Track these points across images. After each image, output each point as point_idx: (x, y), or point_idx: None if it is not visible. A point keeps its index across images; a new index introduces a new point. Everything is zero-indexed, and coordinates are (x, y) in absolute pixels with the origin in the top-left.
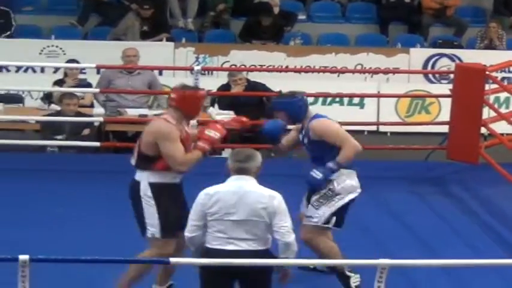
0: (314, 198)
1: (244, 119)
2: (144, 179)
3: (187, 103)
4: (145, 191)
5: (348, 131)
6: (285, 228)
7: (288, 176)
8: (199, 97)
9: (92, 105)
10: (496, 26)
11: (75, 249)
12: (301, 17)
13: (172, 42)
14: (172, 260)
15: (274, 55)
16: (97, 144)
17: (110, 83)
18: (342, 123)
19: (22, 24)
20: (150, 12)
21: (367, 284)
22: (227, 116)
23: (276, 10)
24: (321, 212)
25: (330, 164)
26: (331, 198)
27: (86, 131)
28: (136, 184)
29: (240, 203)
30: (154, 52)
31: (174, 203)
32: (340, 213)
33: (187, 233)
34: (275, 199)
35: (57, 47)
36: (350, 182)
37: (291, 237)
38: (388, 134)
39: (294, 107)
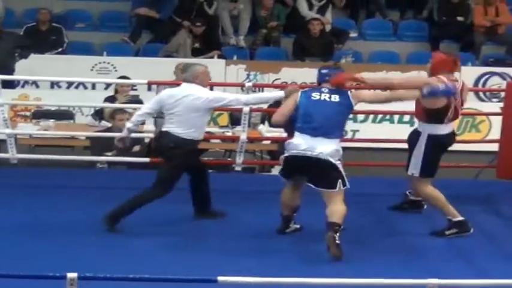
0: None
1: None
2: None
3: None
4: None
5: (398, 149)
6: None
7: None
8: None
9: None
10: None
11: (124, 266)
12: (353, 34)
13: (224, 59)
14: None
15: None
16: (146, 160)
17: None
18: (392, 141)
19: (74, 41)
20: (202, 30)
21: None
22: (278, 133)
23: (328, 28)
24: None
25: None
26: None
27: (136, 148)
28: None
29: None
30: None
31: None
32: (284, 166)
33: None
34: None
35: (108, 63)
36: (293, 141)
37: None
38: None
39: None
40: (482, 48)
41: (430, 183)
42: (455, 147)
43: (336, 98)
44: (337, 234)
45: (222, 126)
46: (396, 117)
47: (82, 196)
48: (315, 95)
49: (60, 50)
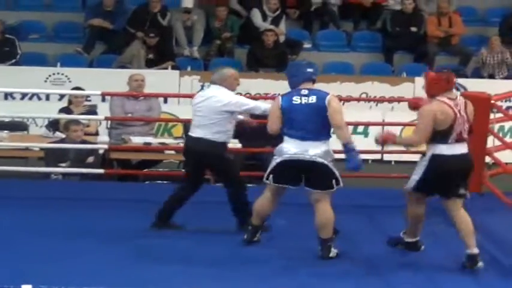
0: None
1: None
2: None
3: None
4: None
5: None
6: None
7: None
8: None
9: (97, 133)
10: (497, 39)
11: (78, 278)
12: (307, 45)
13: (178, 70)
14: None
15: (279, 83)
16: (101, 171)
17: (123, 108)
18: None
19: (28, 52)
20: (156, 41)
21: None
22: (231, 144)
23: (282, 38)
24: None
25: None
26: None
27: (91, 159)
28: None
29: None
30: (160, 80)
31: None
32: (275, 172)
33: None
34: None
35: (62, 74)
36: (283, 146)
37: None
38: (393, 162)
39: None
40: (436, 59)
41: (421, 200)
42: (410, 157)
43: (313, 99)
44: (331, 249)
45: (176, 137)
46: (350, 127)
47: (36, 207)
48: (296, 99)
49: (13, 61)
